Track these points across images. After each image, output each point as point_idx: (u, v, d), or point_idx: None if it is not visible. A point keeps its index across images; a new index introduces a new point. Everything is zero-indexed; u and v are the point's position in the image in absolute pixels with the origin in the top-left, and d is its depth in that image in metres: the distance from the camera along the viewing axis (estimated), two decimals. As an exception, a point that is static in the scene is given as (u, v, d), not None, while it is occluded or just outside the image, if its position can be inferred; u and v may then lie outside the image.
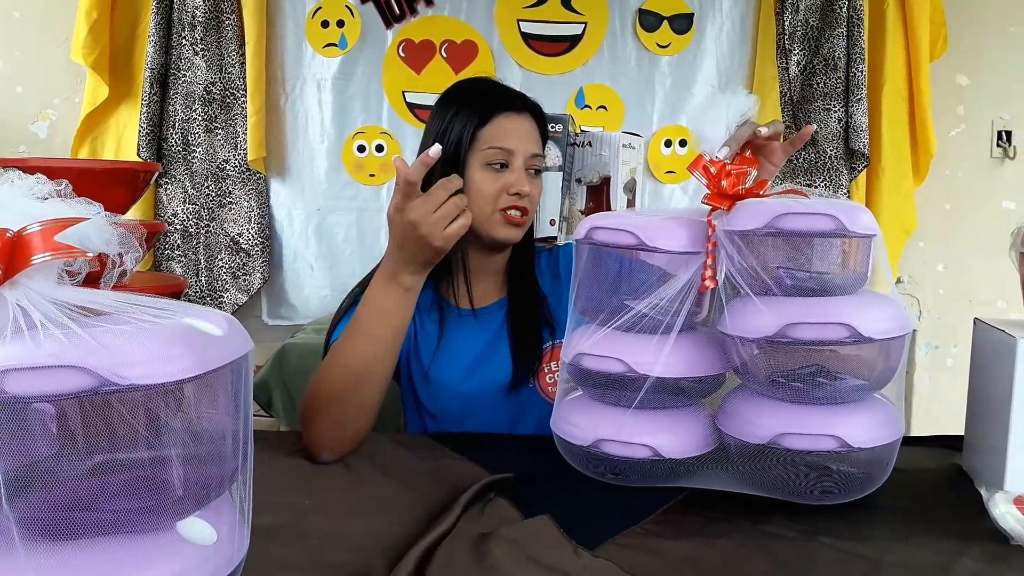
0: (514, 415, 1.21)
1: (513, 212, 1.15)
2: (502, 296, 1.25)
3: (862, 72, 2.34)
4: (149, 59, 2.27)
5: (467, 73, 2.40)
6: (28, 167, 1.05)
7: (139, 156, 2.29)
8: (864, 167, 2.39)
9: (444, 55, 2.41)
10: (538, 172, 1.21)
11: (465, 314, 1.23)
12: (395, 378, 1.20)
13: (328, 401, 0.99)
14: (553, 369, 1.21)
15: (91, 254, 0.57)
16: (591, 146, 2.00)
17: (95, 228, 0.58)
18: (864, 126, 2.34)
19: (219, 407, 0.57)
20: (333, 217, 2.45)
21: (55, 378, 0.48)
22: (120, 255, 0.59)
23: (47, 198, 0.58)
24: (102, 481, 0.54)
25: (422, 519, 0.81)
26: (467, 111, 1.17)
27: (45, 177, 0.59)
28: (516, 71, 2.43)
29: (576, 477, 0.94)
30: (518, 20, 2.41)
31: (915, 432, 2.52)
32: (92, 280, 0.59)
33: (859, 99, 2.34)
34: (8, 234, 0.54)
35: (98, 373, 0.48)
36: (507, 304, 1.24)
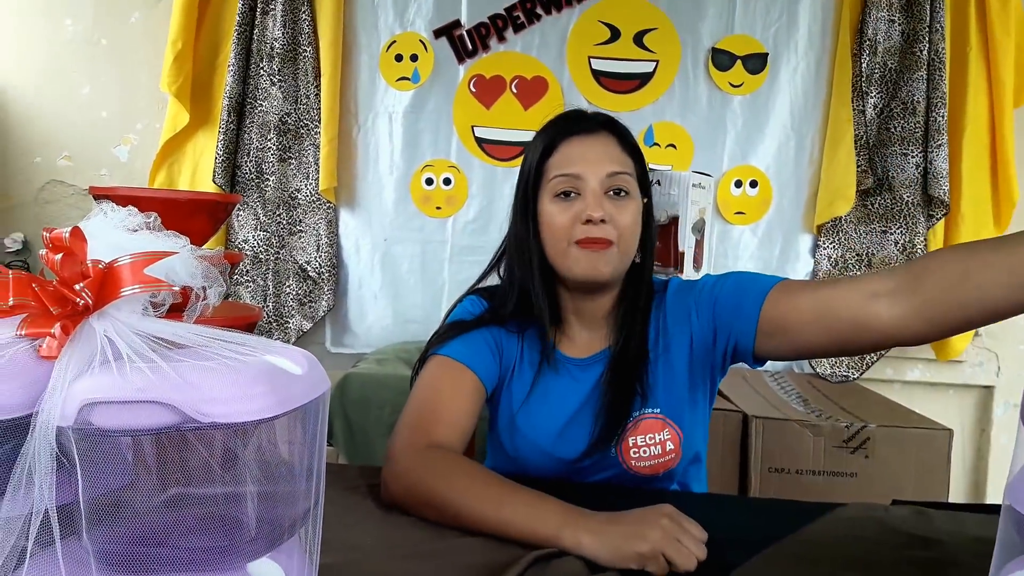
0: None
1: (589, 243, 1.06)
2: (607, 346, 1.14)
3: (943, 117, 2.28)
4: (228, 88, 2.34)
5: (536, 109, 2.41)
6: (117, 196, 1.09)
7: (214, 183, 2.35)
8: (944, 215, 2.31)
9: (514, 91, 2.42)
10: (624, 192, 1.09)
11: (568, 365, 1.14)
12: (488, 403, 1.16)
13: (429, 505, 0.93)
14: (639, 444, 1.10)
15: (177, 287, 0.57)
16: (660, 184, 1.98)
17: (182, 261, 0.58)
18: (944, 172, 2.27)
19: (296, 446, 0.57)
20: (398, 248, 2.47)
21: (139, 413, 0.48)
22: (204, 288, 0.60)
23: (137, 230, 0.59)
24: (178, 517, 0.54)
25: (487, 567, 0.79)
26: (535, 145, 1.12)
27: (136, 209, 0.60)
28: (585, 107, 2.42)
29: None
30: (589, 57, 2.42)
31: (991, 499, 2.42)
32: (174, 310, 0.59)
33: (939, 145, 2.27)
34: (100, 265, 0.55)
35: (181, 410, 0.48)
36: (608, 356, 1.13)
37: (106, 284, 0.54)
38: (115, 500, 0.51)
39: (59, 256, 0.54)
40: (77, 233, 0.56)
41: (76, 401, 0.48)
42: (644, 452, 1.10)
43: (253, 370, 0.52)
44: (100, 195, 1.03)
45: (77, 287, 0.53)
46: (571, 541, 0.83)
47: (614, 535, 0.82)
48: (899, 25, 2.32)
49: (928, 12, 2.26)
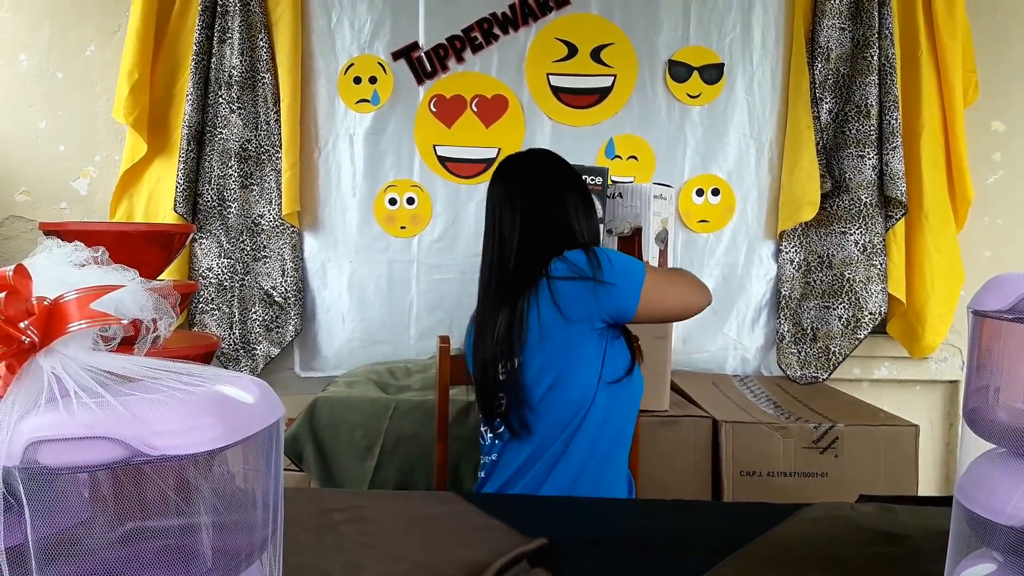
0: None
1: None
2: None
3: (896, 120, 2.32)
4: (187, 117, 2.33)
5: (497, 126, 2.43)
6: (67, 231, 1.09)
7: (176, 212, 2.34)
8: (902, 215, 2.35)
9: (475, 110, 2.44)
10: None
11: None
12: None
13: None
14: None
15: (126, 320, 0.57)
16: (622, 197, 2.00)
17: (130, 294, 0.58)
18: (900, 174, 2.31)
19: (250, 474, 0.57)
20: (365, 269, 2.46)
21: (87, 449, 0.48)
22: (154, 321, 0.60)
23: (84, 265, 0.59)
24: (131, 551, 0.53)
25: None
26: None
27: (83, 244, 0.60)
28: (546, 123, 2.45)
29: (612, 541, 0.92)
30: (548, 74, 2.44)
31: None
32: (127, 343, 0.59)
33: (894, 147, 2.32)
34: (45, 302, 0.54)
35: (129, 444, 0.48)
36: None
37: (52, 321, 0.54)
38: (66, 538, 0.51)
39: (3, 295, 0.53)
40: (21, 271, 0.55)
41: (22, 440, 0.48)
42: None
43: (202, 401, 0.52)
44: (50, 231, 1.03)
45: (22, 325, 0.53)
46: None
47: None
48: (849, 32, 2.37)
49: (876, 19, 2.32)
